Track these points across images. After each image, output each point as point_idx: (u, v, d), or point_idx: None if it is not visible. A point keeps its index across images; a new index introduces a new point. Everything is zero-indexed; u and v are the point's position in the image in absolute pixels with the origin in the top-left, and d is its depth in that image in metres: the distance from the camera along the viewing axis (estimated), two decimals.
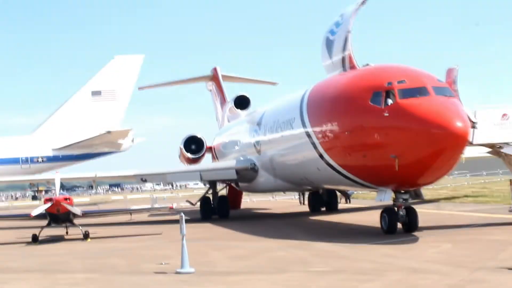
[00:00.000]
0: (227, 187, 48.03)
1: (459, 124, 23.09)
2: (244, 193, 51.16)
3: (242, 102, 52.04)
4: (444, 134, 22.94)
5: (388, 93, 24.88)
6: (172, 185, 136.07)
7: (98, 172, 46.06)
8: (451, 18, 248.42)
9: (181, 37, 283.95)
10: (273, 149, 37.41)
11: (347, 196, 48.07)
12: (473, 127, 26.51)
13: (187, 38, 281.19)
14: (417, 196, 27.27)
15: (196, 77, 66.51)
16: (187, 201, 47.15)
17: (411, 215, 25.69)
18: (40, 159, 65.06)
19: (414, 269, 17.32)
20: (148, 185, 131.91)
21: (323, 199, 43.95)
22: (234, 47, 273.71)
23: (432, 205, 41.24)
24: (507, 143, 27.64)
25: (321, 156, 29.34)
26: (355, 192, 50.23)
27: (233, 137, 48.23)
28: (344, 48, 28.87)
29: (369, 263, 18.80)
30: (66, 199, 29.48)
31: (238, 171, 40.81)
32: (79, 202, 62.29)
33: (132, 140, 68.72)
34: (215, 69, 62.96)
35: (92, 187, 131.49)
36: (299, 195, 54.00)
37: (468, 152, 26.94)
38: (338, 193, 45.04)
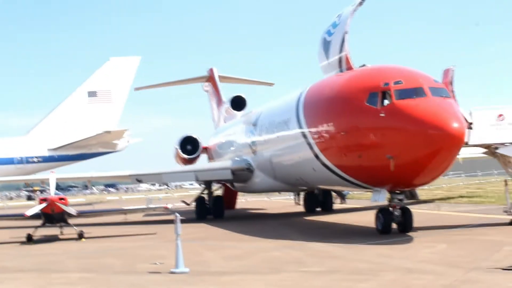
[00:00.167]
0: (223, 187, 48.02)
1: (455, 125, 23.10)
2: (239, 193, 51.14)
3: (238, 103, 52.12)
4: (440, 134, 22.95)
5: (385, 94, 24.90)
6: (168, 186, 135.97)
7: (93, 173, 46.04)
8: (449, 18, 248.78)
9: (178, 38, 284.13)
10: (269, 150, 37.39)
11: (342, 197, 48.19)
12: (469, 127, 26.52)
13: (184, 39, 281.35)
14: (412, 196, 27.36)
15: (193, 78, 66.55)
16: (182, 201, 47.15)
17: (406, 215, 25.71)
18: (35, 159, 64.95)
19: (409, 269, 17.31)
20: (143, 186, 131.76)
21: (319, 199, 43.96)
22: (230, 48, 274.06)
23: (428, 205, 41.25)
24: (502, 144, 27.65)
25: (316, 156, 29.33)
26: (350, 193, 50.30)
27: (229, 137, 48.25)
28: (341, 48, 28.87)
29: (364, 263, 18.78)
30: (61, 199, 29.46)
31: (233, 172, 40.80)
32: (74, 202, 62.28)
33: (128, 141, 68.68)
34: (211, 70, 63.00)
35: (87, 187, 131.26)
36: (295, 195, 54.09)
37: (464, 153, 26.93)
38: (334, 193, 45.08)
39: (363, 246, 22.39)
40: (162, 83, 68.25)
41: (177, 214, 19.68)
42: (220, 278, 17.54)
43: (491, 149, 28.50)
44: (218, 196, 44.73)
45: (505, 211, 27.61)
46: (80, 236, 29.72)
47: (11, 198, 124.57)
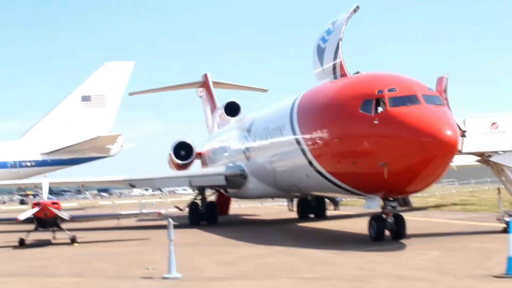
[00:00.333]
0: (216, 193, 47.98)
1: (448, 132, 23.15)
2: (232, 199, 51.09)
3: (232, 109, 52.04)
4: (433, 142, 22.99)
5: (379, 101, 24.92)
6: (161, 191, 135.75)
7: (86, 177, 45.96)
8: (443, 26, 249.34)
9: (172, 44, 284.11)
10: (262, 156, 37.39)
11: (335, 203, 48.14)
12: (463, 135, 26.57)
13: (179, 45, 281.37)
14: (406, 203, 27.32)
15: (187, 83, 66.56)
16: (176, 206, 47.09)
17: (399, 222, 25.72)
18: (29, 164, 64.84)
19: (402, 276, 17.33)
20: (137, 191, 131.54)
21: (312, 206, 43.95)
22: (225, 54, 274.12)
23: (422, 212, 41.30)
24: (496, 152, 27.71)
25: (310, 163, 29.33)
26: (343, 199, 50.32)
27: (223, 143, 48.22)
28: (335, 55, 28.90)
29: (357, 270, 18.79)
30: (53, 203, 29.41)
31: (227, 177, 40.77)
32: (67, 206, 62.15)
33: (121, 146, 68.60)
34: (205, 76, 62.98)
35: (80, 192, 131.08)
36: (288, 202, 54.03)
37: (457, 161, 26.99)
38: (327, 200, 45.07)
39: (356, 253, 22.40)
40: (156, 88, 68.24)
41: (170, 220, 19.66)
42: (212, 284, 17.54)
43: (484, 157, 28.56)
44: (211, 202, 44.68)
45: (498, 219, 27.65)
46: (73, 240, 29.66)
47: (4, 202, 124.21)
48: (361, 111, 25.12)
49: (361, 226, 29.62)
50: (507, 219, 26.36)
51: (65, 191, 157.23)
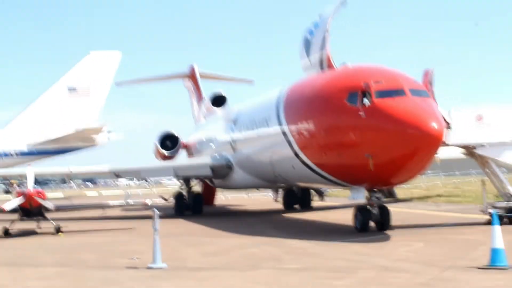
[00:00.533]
0: (202, 184, 47.98)
1: (433, 124, 23.22)
2: (218, 189, 51.11)
3: (218, 100, 52.12)
4: (418, 134, 23.06)
5: (365, 93, 24.96)
6: (147, 181, 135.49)
7: (72, 167, 45.80)
8: (430, 19, 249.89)
9: (159, 34, 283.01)
10: (248, 147, 37.41)
11: (321, 194, 48.27)
12: (448, 127, 26.66)
13: (165, 36, 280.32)
14: (391, 195, 27.45)
15: (173, 74, 66.49)
16: (161, 196, 47.06)
17: (384, 213, 25.84)
18: (13, 154, 64.48)
19: (386, 267, 17.39)
20: (123, 181, 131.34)
21: (297, 197, 44.06)
22: (211, 45, 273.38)
23: (406, 204, 41.45)
24: (481, 144, 27.83)
25: (296, 154, 29.38)
26: (329, 190, 50.42)
27: (209, 134, 48.19)
28: (322, 48, 28.91)
29: (341, 260, 18.85)
30: (38, 193, 29.30)
31: (213, 168, 40.77)
32: (52, 196, 61.91)
33: (108, 138, 68.30)
34: (192, 67, 62.89)
35: (65, 181, 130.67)
36: (273, 192, 54.14)
37: (442, 153, 27.08)
38: (312, 191, 45.17)
39: (340, 244, 22.46)
40: (143, 79, 68.18)
41: (155, 210, 19.65)
42: (197, 274, 17.54)
43: (469, 149, 28.68)
44: (197, 193, 44.71)
45: (482, 211, 27.79)
46: (58, 230, 29.59)
47: None
48: (347, 103, 25.17)
49: (346, 217, 29.70)
50: (491, 211, 26.48)
51: (49, 180, 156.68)
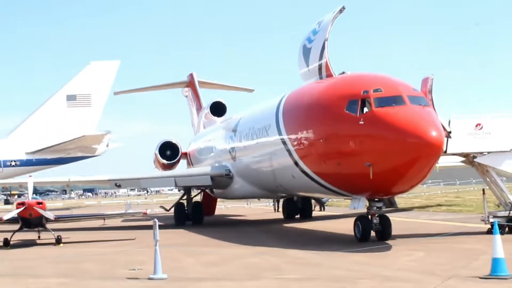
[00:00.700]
0: (202, 193, 47.94)
1: (433, 133, 23.21)
2: (218, 199, 51.08)
3: (218, 109, 52.10)
4: (418, 143, 23.04)
5: (364, 102, 24.97)
6: (147, 191, 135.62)
7: (71, 177, 45.79)
8: (429, 26, 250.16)
9: (159, 43, 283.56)
10: (248, 156, 37.38)
11: (321, 204, 48.27)
12: (448, 136, 26.67)
13: (165, 44, 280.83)
14: (391, 204, 27.41)
15: (173, 83, 66.51)
16: (161, 206, 47.01)
17: (385, 223, 25.79)
18: (13, 163, 64.49)
19: (387, 277, 17.36)
20: (122, 191, 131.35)
21: (298, 207, 43.97)
22: (211, 54, 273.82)
23: (407, 213, 41.41)
24: (480, 153, 27.84)
25: (296, 163, 29.35)
26: (329, 200, 50.41)
27: (209, 143, 48.16)
28: (321, 56, 28.93)
29: (342, 270, 18.81)
30: (39, 203, 29.27)
31: (213, 178, 40.72)
32: (52, 206, 61.90)
33: (107, 145, 68.37)
34: (191, 75, 62.93)
35: (65, 191, 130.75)
36: (274, 202, 54.12)
37: (442, 161, 27.08)
38: (313, 201, 45.13)
39: (341, 254, 22.42)
40: (142, 88, 68.16)
41: (156, 220, 19.63)
42: (198, 284, 17.52)
43: (469, 158, 28.67)
44: (197, 202, 44.65)
45: (483, 220, 27.76)
46: (58, 241, 29.54)
47: None
48: (347, 112, 25.15)
49: (346, 227, 29.66)
50: (492, 220, 26.48)
51: (50, 191, 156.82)
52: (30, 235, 31.34)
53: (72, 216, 37.56)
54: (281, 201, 46.60)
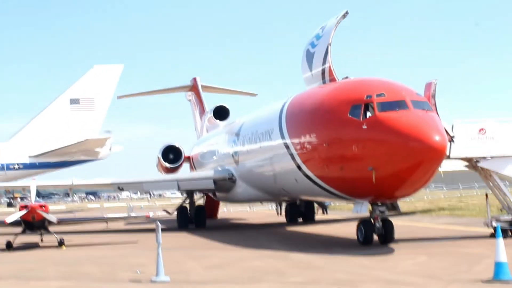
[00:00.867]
0: (205, 197, 47.95)
1: (436, 138, 23.22)
2: (221, 203, 51.09)
3: (221, 113, 52.14)
4: (421, 147, 23.05)
5: (367, 106, 24.99)
6: (150, 194, 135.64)
7: (74, 180, 45.82)
8: (432, 31, 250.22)
9: (162, 47, 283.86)
10: (251, 160, 37.39)
11: (324, 207, 48.17)
12: (451, 141, 26.66)
13: (168, 49, 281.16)
14: (394, 208, 27.34)
15: (176, 87, 66.60)
16: (164, 210, 47.06)
17: (388, 227, 25.78)
18: (16, 166, 64.55)
19: (390, 280, 17.35)
20: (125, 194, 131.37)
21: (300, 210, 43.99)
22: (214, 58, 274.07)
23: (410, 217, 41.40)
24: (483, 157, 27.82)
25: (299, 167, 29.36)
26: (332, 203, 50.38)
27: (212, 147, 48.20)
28: (324, 60, 28.97)
29: (344, 274, 18.81)
30: (41, 206, 29.31)
31: (215, 181, 40.73)
32: (55, 209, 61.97)
33: (110, 149, 68.42)
34: (194, 79, 63.03)
35: (68, 195, 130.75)
36: (276, 206, 54.08)
37: (445, 166, 27.08)
38: (315, 204, 45.10)
39: (344, 257, 22.42)
40: (145, 92, 68.32)
41: (158, 223, 19.65)
42: (200, 287, 17.53)
43: (472, 163, 28.66)
44: (200, 206, 44.66)
45: (486, 224, 27.74)
46: (61, 243, 29.57)
47: None
48: (350, 116, 25.17)
49: (349, 231, 29.67)
50: (494, 224, 26.48)
51: (53, 194, 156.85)
52: (33, 238, 31.35)
53: (75, 219, 37.65)
54: (284, 204, 46.58)
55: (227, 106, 52.54)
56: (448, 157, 26.45)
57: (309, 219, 43.78)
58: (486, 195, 28.93)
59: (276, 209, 53.92)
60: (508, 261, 16.68)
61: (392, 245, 25.06)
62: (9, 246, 29.21)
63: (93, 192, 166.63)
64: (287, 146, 30.50)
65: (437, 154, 23.36)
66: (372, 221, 25.70)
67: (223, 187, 40.92)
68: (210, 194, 45.83)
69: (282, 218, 46.06)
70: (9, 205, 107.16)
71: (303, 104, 30.20)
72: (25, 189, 52.36)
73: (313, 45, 30.27)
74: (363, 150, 24.64)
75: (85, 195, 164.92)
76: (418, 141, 23.13)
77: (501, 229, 17.96)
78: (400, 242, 26.11)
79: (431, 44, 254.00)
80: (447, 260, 21.19)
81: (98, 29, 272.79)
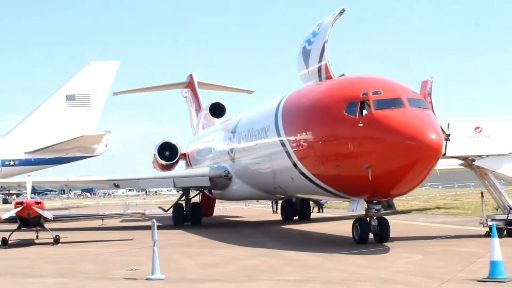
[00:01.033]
0: (200, 194, 47.95)
1: (432, 136, 23.21)
2: (217, 200, 51.09)
3: (217, 110, 52.14)
4: (417, 145, 23.04)
5: (363, 104, 24.98)
6: (146, 192, 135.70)
7: (70, 176, 45.81)
8: (428, 28, 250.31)
9: (158, 44, 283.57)
10: (247, 157, 37.38)
11: (319, 206, 48.25)
12: (447, 139, 26.66)
13: (164, 45, 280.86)
14: (390, 206, 27.40)
15: (172, 84, 66.59)
16: (160, 207, 47.03)
17: (383, 225, 25.78)
18: (12, 163, 64.47)
19: (385, 279, 17.36)
20: (121, 191, 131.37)
21: (296, 208, 43.96)
22: (210, 55, 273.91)
23: (405, 216, 41.42)
24: (479, 156, 27.84)
25: (295, 165, 29.35)
26: (328, 202, 50.40)
27: (208, 144, 48.18)
28: (321, 58, 28.94)
29: (339, 272, 18.82)
30: (37, 203, 29.29)
31: (211, 179, 40.72)
32: (50, 206, 61.91)
33: (106, 145, 68.40)
34: (191, 76, 62.97)
35: (64, 191, 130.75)
36: (272, 204, 54.14)
37: (441, 164, 27.05)
38: (311, 202, 45.12)
39: (339, 256, 22.41)
40: (141, 88, 68.29)
41: (154, 220, 19.64)
42: (196, 285, 17.51)
43: (468, 161, 28.67)
44: (195, 203, 44.67)
45: (481, 223, 27.76)
46: (56, 240, 29.55)
47: None
48: (346, 114, 25.15)
49: (345, 229, 29.67)
50: (490, 223, 26.49)
51: (49, 190, 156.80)
52: (28, 235, 31.35)
53: (70, 216, 37.59)
54: (280, 202, 46.59)
55: (223, 103, 52.55)
56: (444, 155, 26.44)
57: (305, 217, 43.75)
58: (482, 193, 28.96)
59: (272, 207, 54.07)
60: (503, 260, 16.69)
61: (388, 244, 25.06)
62: (4, 243, 29.19)
63: (89, 189, 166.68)
64: (283, 144, 30.49)
65: (433, 153, 23.35)
66: (368, 219, 25.69)
67: (219, 184, 40.92)
68: (206, 192, 45.84)
69: (278, 216, 46.07)
70: (5, 201, 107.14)
71: (299, 101, 30.18)
72: (21, 185, 52.28)
73: (309, 42, 30.24)
74: (359, 148, 24.64)
75: (80, 192, 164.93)
76: (414, 139, 23.13)
77: (496, 228, 17.91)
78: (395, 241, 26.12)
79: (428, 41, 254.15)
80: (443, 259, 21.20)
81: (95, 26, 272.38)
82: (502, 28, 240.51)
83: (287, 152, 29.92)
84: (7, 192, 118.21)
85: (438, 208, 49.95)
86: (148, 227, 22.38)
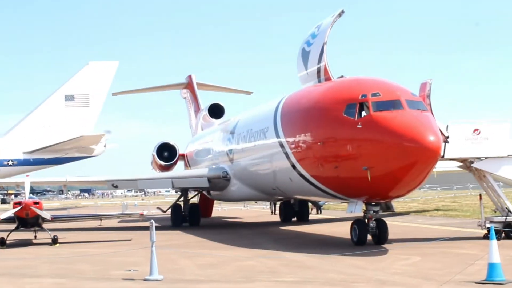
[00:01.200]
0: (199, 195, 47.94)
1: (431, 138, 23.21)
2: (215, 201, 51.09)
3: (216, 111, 52.13)
4: (416, 147, 23.04)
5: (362, 106, 24.97)
6: (144, 192, 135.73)
7: (68, 177, 45.79)
8: (428, 31, 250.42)
9: (158, 45, 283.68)
10: (246, 158, 37.37)
11: (318, 207, 48.23)
12: (445, 141, 26.66)
13: (164, 46, 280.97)
14: (388, 208, 27.36)
15: (171, 84, 66.57)
16: (158, 208, 47.02)
17: (381, 227, 25.77)
18: (10, 163, 64.43)
19: (383, 281, 17.35)
20: (119, 191, 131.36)
21: (295, 209, 43.98)
22: (209, 56, 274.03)
23: (404, 217, 41.42)
24: (478, 158, 27.84)
25: (293, 166, 29.34)
26: (326, 203, 50.41)
27: (206, 145, 48.17)
28: (320, 59, 28.95)
29: (337, 274, 18.81)
30: (35, 203, 29.28)
31: (210, 179, 40.70)
32: (49, 206, 61.89)
33: (105, 146, 68.37)
34: (190, 77, 62.98)
35: (62, 192, 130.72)
36: (271, 205, 54.14)
37: (439, 166, 27.05)
38: (310, 204, 45.11)
39: (337, 257, 22.41)
40: (140, 89, 68.26)
41: (152, 221, 19.63)
42: (194, 286, 17.50)
43: (466, 163, 28.68)
44: (194, 204, 44.66)
45: (480, 225, 27.75)
46: (54, 241, 29.55)
47: None
48: (345, 115, 25.15)
49: (343, 230, 29.67)
50: (488, 225, 26.49)
51: (47, 191, 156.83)
52: (27, 235, 31.33)
53: (68, 216, 37.59)
54: (278, 203, 46.57)
55: (222, 104, 52.53)
56: (443, 157, 26.45)
57: (303, 218, 43.77)
58: (480, 196, 28.96)
59: (270, 208, 54.06)
60: (501, 262, 16.70)
61: (386, 245, 25.05)
62: (2, 243, 29.19)
63: (87, 190, 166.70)
64: (281, 145, 30.48)
65: (431, 155, 23.34)
66: (366, 221, 25.69)
67: (218, 185, 40.91)
68: (205, 193, 45.83)
69: (276, 217, 46.06)
70: (3, 201, 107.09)
71: (298, 102, 30.17)
72: (19, 185, 52.28)
73: (308, 43, 30.25)
74: (358, 150, 24.63)
75: (79, 192, 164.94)
76: (413, 141, 23.12)
77: (495, 230, 17.91)
78: (393, 243, 26.11)
79: (427, 43, 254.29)
80: (441, 260, 21.20)
81: (94, 26, 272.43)
82: (502, 28, 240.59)
83: (286, 153, 29.92)
84: (6, 192, 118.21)
85: (437, 210, 49.97)
86: (146, 228, 22.35)
